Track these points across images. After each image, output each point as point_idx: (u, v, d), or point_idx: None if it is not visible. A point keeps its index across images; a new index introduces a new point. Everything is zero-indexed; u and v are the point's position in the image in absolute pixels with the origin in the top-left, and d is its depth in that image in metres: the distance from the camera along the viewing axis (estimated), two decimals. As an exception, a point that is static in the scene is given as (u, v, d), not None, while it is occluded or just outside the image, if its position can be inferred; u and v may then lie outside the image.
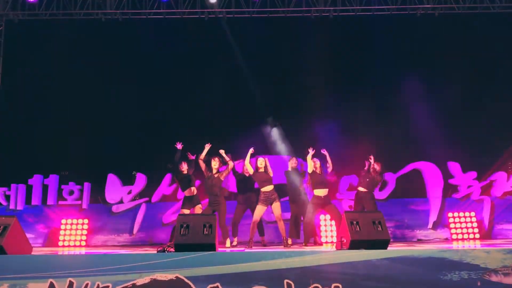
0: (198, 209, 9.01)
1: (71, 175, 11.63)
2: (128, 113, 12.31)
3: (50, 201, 11.28)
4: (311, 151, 8.68)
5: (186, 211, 8.80)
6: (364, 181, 9.26)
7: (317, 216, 9.42)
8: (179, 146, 9.07)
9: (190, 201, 8.98)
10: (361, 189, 9.27)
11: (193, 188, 9.06)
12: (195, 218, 6.50)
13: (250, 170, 8.65)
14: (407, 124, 12.38)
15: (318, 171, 8.73)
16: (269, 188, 8.48)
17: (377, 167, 9.19)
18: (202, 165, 8.89)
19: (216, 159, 8.82)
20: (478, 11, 12.18)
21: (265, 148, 11.48)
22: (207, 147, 8.85)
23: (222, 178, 8.74)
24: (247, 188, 9.21)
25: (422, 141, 12.02)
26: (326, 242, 10.00)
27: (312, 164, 8.67)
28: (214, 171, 8.77)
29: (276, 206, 8.47)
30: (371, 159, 9.21)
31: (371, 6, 12.21)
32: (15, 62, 12.42)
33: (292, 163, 9.29)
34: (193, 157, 9.08)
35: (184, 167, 9.05)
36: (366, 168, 9.29)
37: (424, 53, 12.55)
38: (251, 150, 8.68)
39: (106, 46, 12.40)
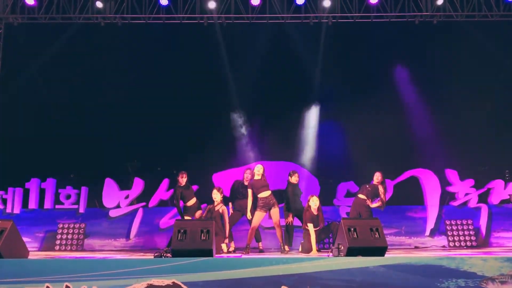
0: (198, 215, 9.03)
1: (68, 179, 11.61)
2: (126, 118, 12.30)
3: (47, 205, 11.28)
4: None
5: (187, 218, 8.81)
6: (365, 189, 9.25)
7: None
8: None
9: (190, 210, 9.01)
10: (361, 196, 9.25)
11: (193, 199, 9.08)
12: (193, 223, 6.51)
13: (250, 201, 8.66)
14: (405, 131, 12.42)
15: (313, 210, 8.65)
16: (266, 193, 8.44)
17: (381, 188, 9.17)
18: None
19: (215, 191, 8.79)
20: (476, 19, 12.23)
21: (266, 154, 11.49)
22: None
23: (221, 211, 8.64)
24: (242, 194, 9.15)
25: (419, 148, 12.05)
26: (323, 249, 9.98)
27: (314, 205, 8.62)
28: (215, 203, 8.72)
29: (275, 212, 8.43)
30: (379, 178, 9.19)
31: (370, 13, 12.25)
32: (14, 65, 12.41)
33: (293, 178, 9.22)
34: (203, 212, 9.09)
35: (183, 180, 9.02)
36: (372, 184, 9.25)
37: (422, 60, 12.59)
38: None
39: (105, 50, 12.41)
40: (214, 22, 12.42)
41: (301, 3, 12.01)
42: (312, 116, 12.65)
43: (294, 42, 12.70)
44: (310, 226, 8.39)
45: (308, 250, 8.39)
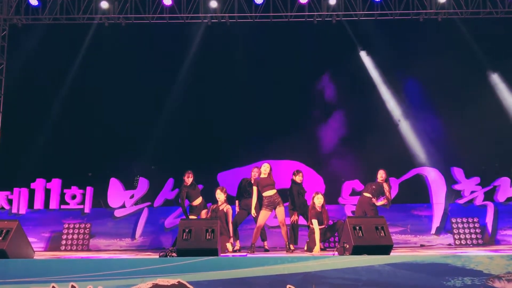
0: (203, 214, 9.03)
1: (73, 179, 11.63)
2: (130, 117, 12.30)
3: (52, 205, 11.32)
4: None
5: (193, 217, 8.82)
6: (370, 188, 9.23)
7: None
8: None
9: (196, 209, 9.02)
10: (366, 194, 9.22)
11: (199, 199, 9.09)
12: (198, 223, 6.49)
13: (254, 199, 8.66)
14: (410, 129, 12.38)
15: (318, 207, 8.61)
16: (271, 192, 8.42)
17: (386, 186, 9.14)
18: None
19: (218, 191, 8.79)
20: (481, 16, 12.19)
21: (269, 154, 11.46)
22: None
23: (225, 211, 8.64)
24: (249, 193, 9.12)
25: (425, 146, 12.02)
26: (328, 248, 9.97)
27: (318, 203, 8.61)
28: (219, 202, 8.72)
29: (280, 211, 8.41)
30: (383, 175, 9.15)
31: (374, 11, 12.23)
32: (18, 66, 12.45)
33: (298, 177, 9.20)
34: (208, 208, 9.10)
35: (189, 180, 9.02)
36: (377, 182, 9.22)
37: (427, 58, 12.53)
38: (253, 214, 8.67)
39: (108, 50, 12.43)
40: (218, 21, 12.43)
41: (304, 2, 11.99)
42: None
43: (296, 41, 12.68)
44: (315, 222, 8.39)
45: (313, 248, 8.38)
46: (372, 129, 12.00)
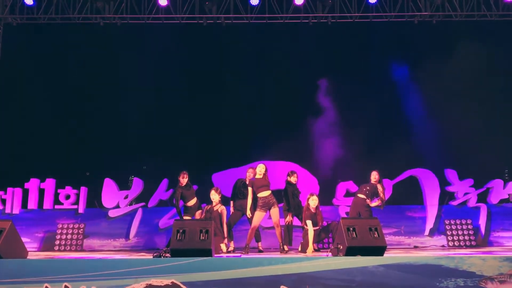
0: (198, 215, 9.03)
1: (67, 179, 11.59)
2: (126, 118, 12.28)
3: (46, 205, 11.27)
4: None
5: (187, 218, 8.81)
6: (364, 189, 9.25)
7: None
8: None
9: (190, 210, 9.01)
10: (360, 195, 9.25)
11: (194, 199, 9.08)
12: (192, 223, 6.50)
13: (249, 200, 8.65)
14: (404, 131, 12.42)
15: (312, 209, 8.63)
16: (266, 193, 8.42)
17: (380, 188, 9.16)
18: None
19: (213, 191, 8.78)
20: (476, 19, 12.24)
21: (264, 154, 11.47)
22: None
23: (219, 211, 8.66)
24: (243, 194, 9.13)
25: (419, 148, 12.05)
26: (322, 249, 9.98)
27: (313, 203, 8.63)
28: (214, 203, 8.73)
29: (275, 212, 8.41)
30: (377, 176, 9.18)
31: (369, 13, 12.26)
32: (13, 65, 12.40)
33: (292, 178, 9.20)
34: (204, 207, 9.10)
35: (184, 180, 9.01)
36: (371, 183, 9.25)
37: (421, 60, 12.57)
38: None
39: (104, 50, 12.39)
40: (214, 22, 12.42)
41: (300, 3, 12.00)
42: None
43: (292, 42, 12.68)
44: (309, 223, 8.40)
45: (307, 249, 8.39)
46: (367, 130, 12.01)
